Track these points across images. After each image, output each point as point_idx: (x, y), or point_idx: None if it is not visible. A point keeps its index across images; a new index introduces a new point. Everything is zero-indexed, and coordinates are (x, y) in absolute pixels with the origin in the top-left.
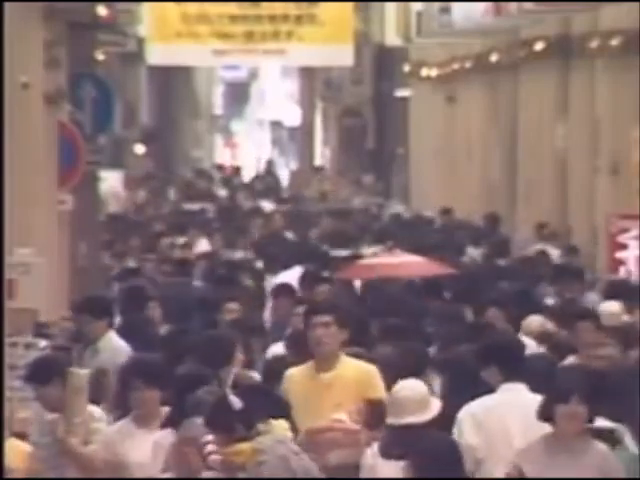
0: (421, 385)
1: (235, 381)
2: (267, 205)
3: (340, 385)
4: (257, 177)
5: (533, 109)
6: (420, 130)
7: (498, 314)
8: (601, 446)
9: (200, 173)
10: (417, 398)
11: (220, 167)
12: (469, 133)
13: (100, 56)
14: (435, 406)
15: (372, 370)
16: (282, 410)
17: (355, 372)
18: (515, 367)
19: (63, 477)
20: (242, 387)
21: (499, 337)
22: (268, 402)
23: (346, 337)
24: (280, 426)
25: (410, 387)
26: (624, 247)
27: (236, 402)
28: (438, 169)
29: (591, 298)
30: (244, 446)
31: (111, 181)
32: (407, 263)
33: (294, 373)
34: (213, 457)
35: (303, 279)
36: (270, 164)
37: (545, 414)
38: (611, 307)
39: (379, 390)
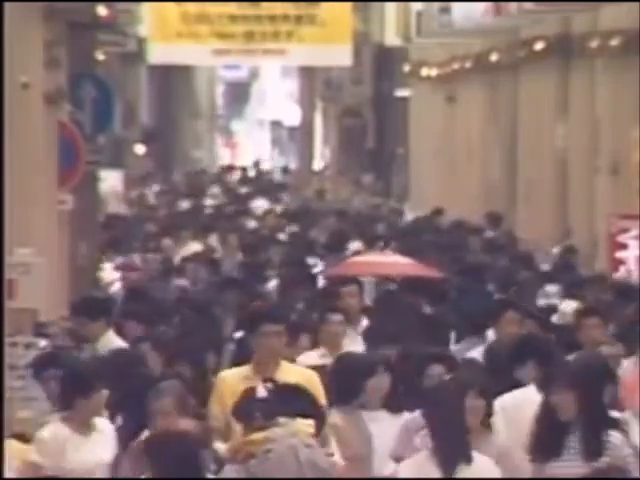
0: None
1: None
2: (260, 205)
3: None
4: (246, 179)
5: (533, 109)
6: (420, 130)
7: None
8: (499, 438)
9: (198, 173)
10: None
11: (231, 168)
12: (469, 133)
13: (100, 56)
14: None
15: (313, 376)
16: (314, 411)
17: (297, 378)
18: (550, 362)
19: (64, 477)
20: (275, 382)
21: (533, 334)
22: (300, 401)
23: (285, 341)
24: (301, 422)
25: None
26: (624, 247)
27: (262, 392)
28: (438, 169)
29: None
30: (257, 435)
31: (111, 181)
32: (396, 263)
33: (228, 375)
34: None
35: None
36: (257, 165)
37: None
38: (568, 307)
39: (320, 396)
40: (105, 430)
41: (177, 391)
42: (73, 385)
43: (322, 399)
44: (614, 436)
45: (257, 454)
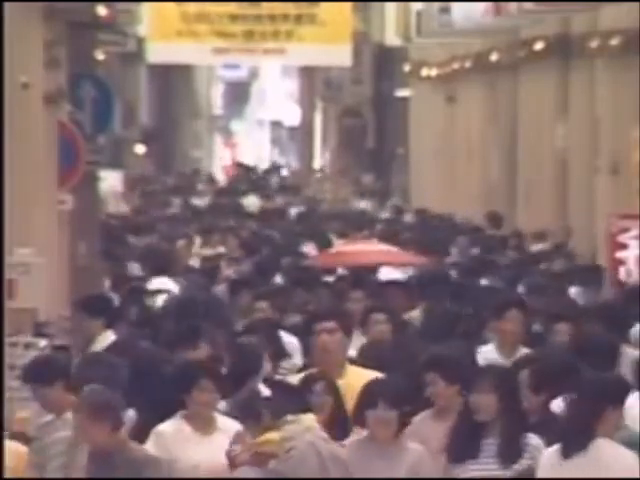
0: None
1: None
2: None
3: (350, 394)
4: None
5: (533, 109)
6: (420, 130)
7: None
8: (416, 448)
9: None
10: None
11: (243, 166)
12: (469, 133)
13: (100, 56)
14: None
15: None
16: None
17: (364, 382)
18: (607, 364)
19: (63, 477)
20: (273, 380)
21: (590, 336)
22: (297, 399)
23: (346, 343)
24: (308, 418)
25: None
26: (624, 247)
27: (265, 391)
28: (438, 169)
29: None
30: (272, 435)
31: (111, 181)
32: (379, 251)
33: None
34: (244, 453)
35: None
36: (246, 168)
37: (358, 420)
38: None
39: None
40: (230, 430)
41: (95, 399)
42: (178, 383)
43: None
44: (533, 439)
45: (278, 454)
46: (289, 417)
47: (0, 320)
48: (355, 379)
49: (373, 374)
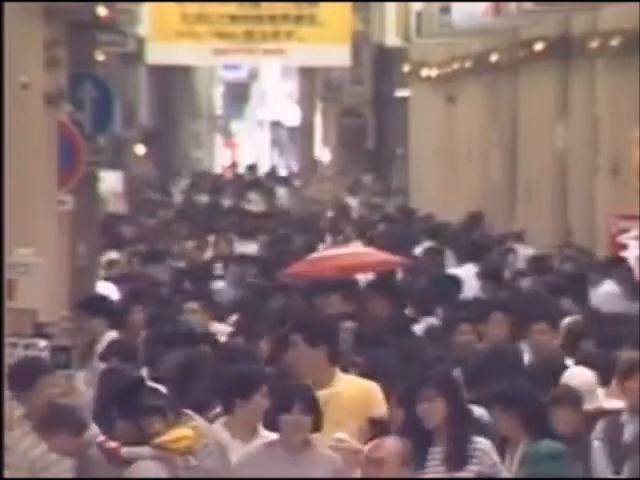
0: (590, 375)
1: None
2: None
3: (339, 403)
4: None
5: (533, 109)
6: (420, 130)
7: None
8: (329, 454)
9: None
10: (585, 387)
11: (252, 167)
12: (469, 133)
13: (100, 56)
14: (600, 397)
15: (373, 387)
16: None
17: (355, 390)
18: None
19: (62, 477)
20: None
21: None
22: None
23: (323, 353)
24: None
25: (579, 375)
26: (624, 247)
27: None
28: (438, 169)
29: None
30: (185, 431)
31: (111, 181)
32: (360, 254)
33: None
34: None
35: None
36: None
37: (270, 424)
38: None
39: (382, 407)
40: (269, 437)
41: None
42: (232, 387)
43: (382, 410)
44: (481, 443)
45: (194, 450)
46: (185, 415)
47: (0, 320)
48: (345, 388)
49: (365, 382)
